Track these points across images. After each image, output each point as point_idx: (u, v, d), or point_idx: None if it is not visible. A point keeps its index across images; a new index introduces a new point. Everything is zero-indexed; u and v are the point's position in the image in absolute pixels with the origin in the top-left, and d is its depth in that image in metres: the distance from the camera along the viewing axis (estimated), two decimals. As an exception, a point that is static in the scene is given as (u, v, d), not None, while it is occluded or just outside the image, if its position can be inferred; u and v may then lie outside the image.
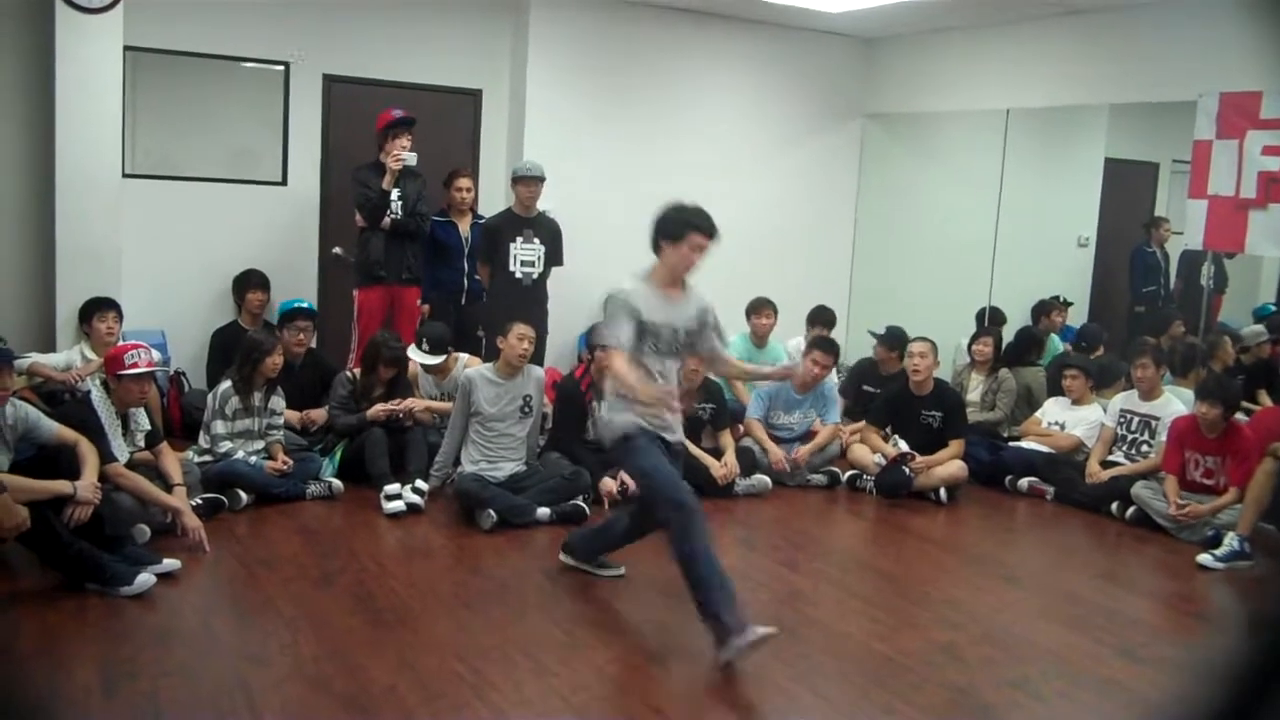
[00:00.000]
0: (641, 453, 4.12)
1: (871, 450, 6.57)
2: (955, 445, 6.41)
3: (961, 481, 6.41)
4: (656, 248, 4.34)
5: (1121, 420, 6.44)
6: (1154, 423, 6.28)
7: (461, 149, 7.94)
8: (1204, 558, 5.37)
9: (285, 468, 5.59)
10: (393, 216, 6.63)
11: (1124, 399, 6.51)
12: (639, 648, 4.10)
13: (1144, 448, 6.32)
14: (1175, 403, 6.32)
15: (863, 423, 6.80)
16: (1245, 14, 6.44)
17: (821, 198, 9.26)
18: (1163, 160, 9.15)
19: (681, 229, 4.31)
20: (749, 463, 6.34)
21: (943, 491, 6.31)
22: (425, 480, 5.68)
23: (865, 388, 7.31)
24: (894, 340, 7.25)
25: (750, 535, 5.71)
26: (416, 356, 6.12)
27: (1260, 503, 5.40)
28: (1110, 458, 6.43)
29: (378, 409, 5.84)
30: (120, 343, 5.74)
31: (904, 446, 6.39)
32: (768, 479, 6.36)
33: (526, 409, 5.75)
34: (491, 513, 5.35)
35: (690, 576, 3.93)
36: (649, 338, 4.09)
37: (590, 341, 6.23)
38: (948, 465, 6.35)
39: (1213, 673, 1.38)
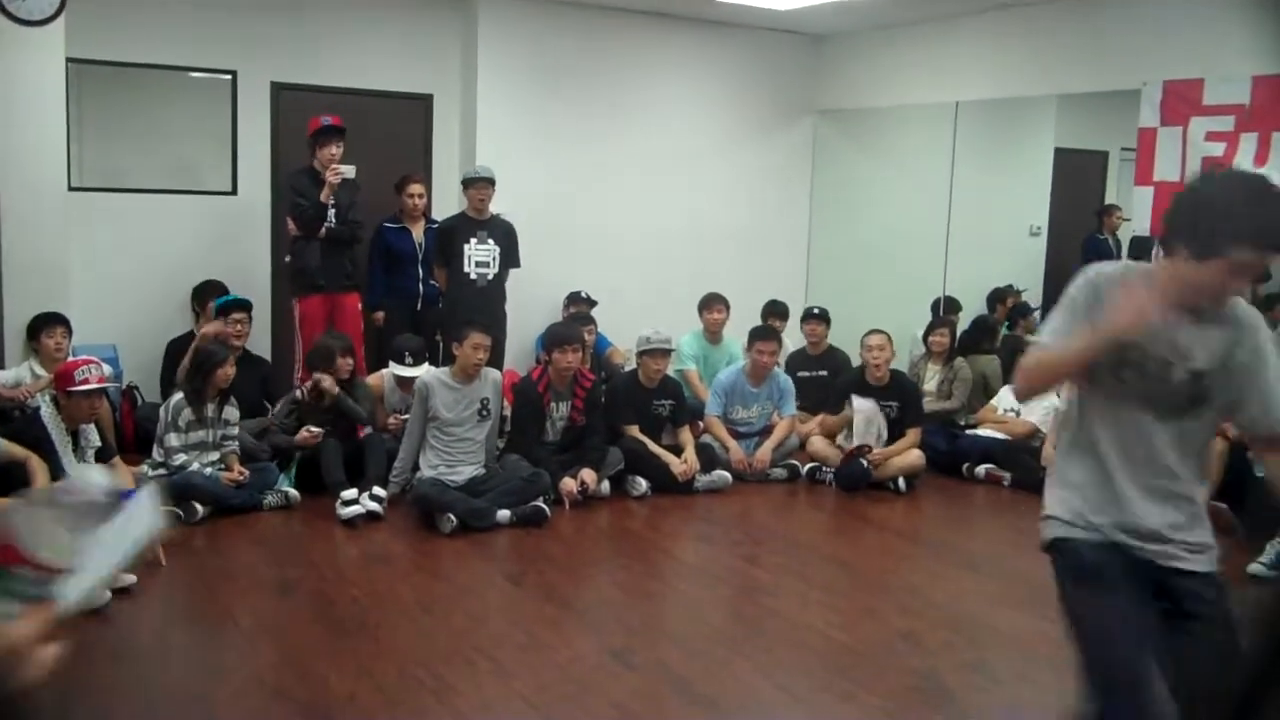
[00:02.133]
0: (1086, 594, 2.42)
1: (829, 436, 6.62)
2: (912, 434, 6.47)
3: (920, 470, 6.46)
4: (1169, 246, 2.32)
5: (1075, 405, 6.50)
6: (1107, 407, 6.34)
7: (413, 154, 7.90)
8: (1158, 538, 5.43)
9: (241, 478, 5.54)
10: (328, 225, 6.58)
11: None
12: (602, 647, 4.09)
13: (1098, 432, 6.38)
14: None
15: (820, 416, 6.84)
16: (1187, 3, 6.56)
17: (776, 194, 9.30)
18: (1112, 149, 9.26)
19: (1223, 238, 2.19)
20: (708, 459, 6.36)
21: (901, 481, 6.36)
22: (384, 487, 5.64)
23: (801, 374, 7.35)
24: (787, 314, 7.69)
25: (711, 530, 5.72)
26: (400, 370, 6.09)
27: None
28: (1065, 443, 6.49)
29: (303, 434, 5.79)
30: (70, 358, 5.67)
31: (871, 422, 6.44)
32: (728, 475, 6.38)
33: (484, 412, 5.74)
34: (451, 517, 5.32)
35: None
36: (1127, 366, 2.35)
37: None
38: (906, 455, 6.40)
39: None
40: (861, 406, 6.45)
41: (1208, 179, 2.38)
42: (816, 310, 7.67)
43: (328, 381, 5.86)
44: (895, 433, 6.47)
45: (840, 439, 6.63)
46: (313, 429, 5.79)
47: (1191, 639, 2.33)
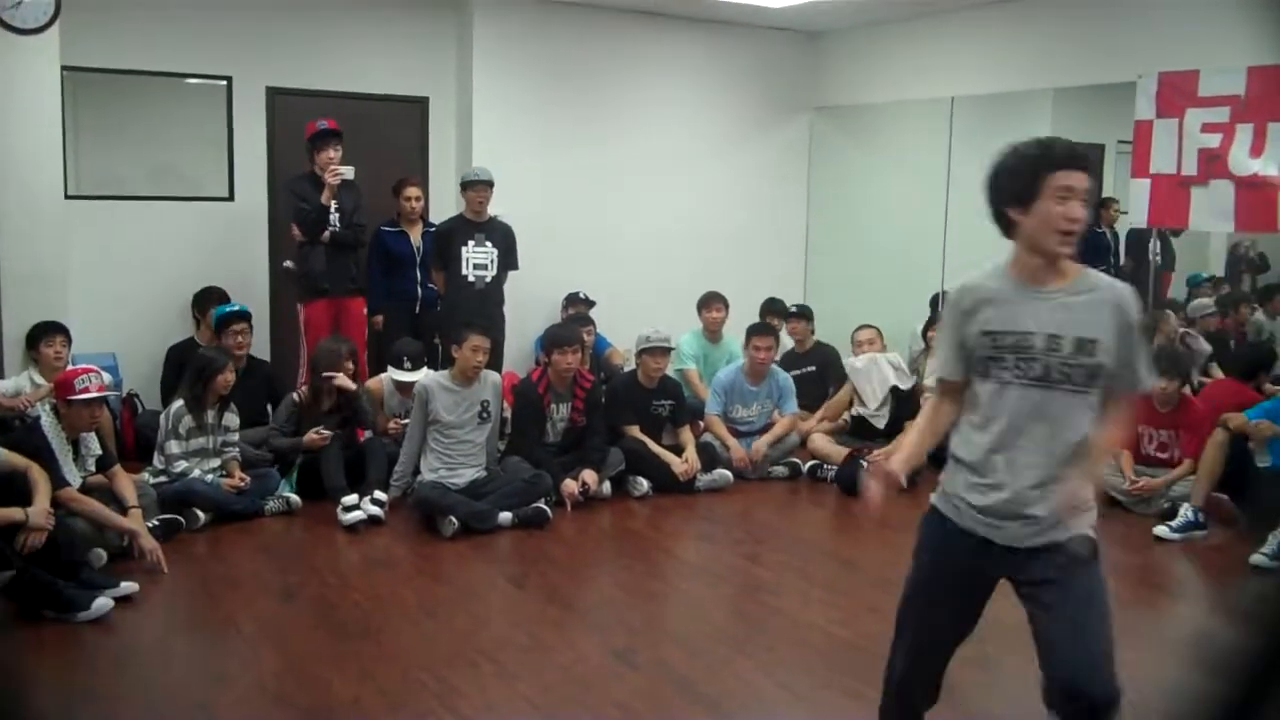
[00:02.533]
0: (913, 571, 2.83)
1: (834, 419, 6.62)
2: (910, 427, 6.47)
3: (922, 466, 6.44)
4: (1006, 225, 2.58)
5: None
6: (1107, 400, 6.35)
7: (410, 158, 7.90)
8: (1160, 529, 5.46)
9: (242, 484, 5.54)
10: (331, 229, 6.59)
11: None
12: (604, 647, 4.09)
13: (1098, 425, 6.38)
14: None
15: (820, 412, 6.84)
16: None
17: (773, 192, 9.30)
18: (1108, 142, 9.24)
19: (1033, 176, 2.48)
20: (709, 458, 6.36)
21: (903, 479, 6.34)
22: (385, 491, 5.64)
23: (792, 373, 7.30)
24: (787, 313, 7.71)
25: (712, 530, 5.72)
26: (398, 375, 6.08)
27: (1212, 474, 5.49)
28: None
29: (312, 436, 5.77)
30: (70, 367, 5.67)
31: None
32: (729, 473, 6.38)
33: (484, 414, 5.74)
34: (453, 520, 5.33)
35: None
36: (993, 361, 2.56)
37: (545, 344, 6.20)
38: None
39: (1219, 672, 1.41)
40: (856, 364, 6.48)
41: (998, 154, 2.59)
42: (795, 308, 7.68)
43: (341, 379, 5.87)
44: (894, 429, 6.48)
45: (855, 408, 6.61)
46: (322, 430, 5.78)
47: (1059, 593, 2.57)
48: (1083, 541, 2.55)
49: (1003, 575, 2.67)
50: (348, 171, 6.49)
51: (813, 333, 7.69)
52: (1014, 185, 2.51)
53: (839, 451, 6.51)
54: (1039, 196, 2.46)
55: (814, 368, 7.45)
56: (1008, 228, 2.56)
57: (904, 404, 6.56)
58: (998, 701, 3.68)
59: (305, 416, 5.90)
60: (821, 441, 6.67)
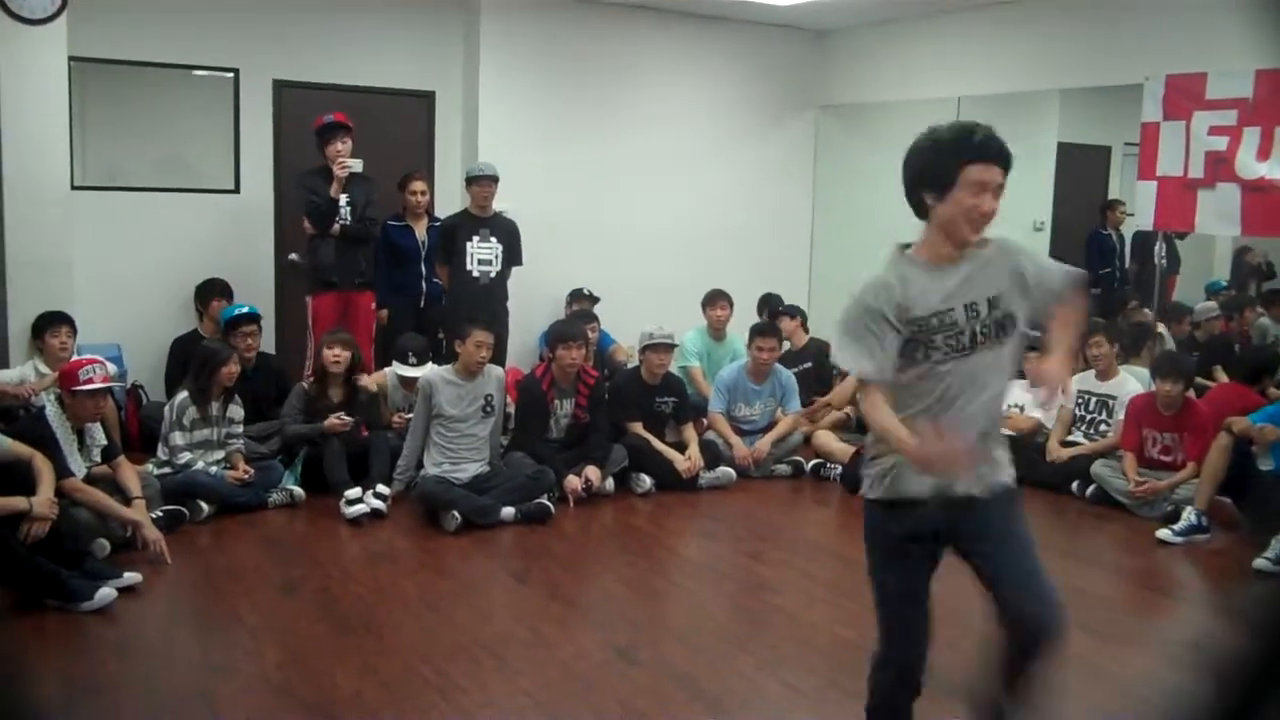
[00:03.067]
0: (882, 555, 2.85)
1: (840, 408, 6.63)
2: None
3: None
4: (920, 208, 2.68)
5: (1080, 401, 6.50)
6: (1111, 402, 6.35)
7: (415, 152, 7.90)
8: (1163, 533, 5.44)
9: (246, 476, 5.54)
10: (342, 222, 6.59)
11: (1081, 380, 6.58)
12: (606, 643, 4.09)
13: (1102, 427, 6.39)
14: (1131, 382, 6.40)
15: (826, 397, 6.86)
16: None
17: (778, 189, 9.30)
18: (1115, 144, 9.25)
19: (951, 166, 2.56)
20: (712, 456, 6.35)
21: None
22: (388, 485, 5.64)
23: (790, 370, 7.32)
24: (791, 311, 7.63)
25: (715, 527, 5.72)
26: (402, 370, 6.08)
27: (1216, 477, 5.48)
28: (1070, 438, 6.49)
29: (333, 421, 5.77)
30: (75, 357, 5.67)
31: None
32: (732, 471, 6.37)
33: (488, 409, 5.74)
34: (456, 514, 5.33)
35: None
36: (921, 345, 2.63)
37: (550, 340, 6.22)
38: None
39: (1217, 675, 1.40)
40: None
41: (919, 137, 2.64)
42: (783, 308, 7.65)
43: (364, 380, 6.00)
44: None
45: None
46: (343, 416, 5.78)
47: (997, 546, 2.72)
48: (1012, 489, 2.78)
49: (950, 538, 2.76)
50: (355, 164, 6.49)
51: (806, 331, 7.65)
52: (931, 172, 2.59)
53: (844, 449, 6.51)
54: (955, 186, 2.54)
55: (810, 364, 7.45)
56: (921, 210, 2.65)
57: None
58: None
59: (314, 408, 5.91)
60: (826, 438, 6.67)
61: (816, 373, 7.42)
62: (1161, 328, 7.69)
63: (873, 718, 3.05)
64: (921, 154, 2.63)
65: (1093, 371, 6.51)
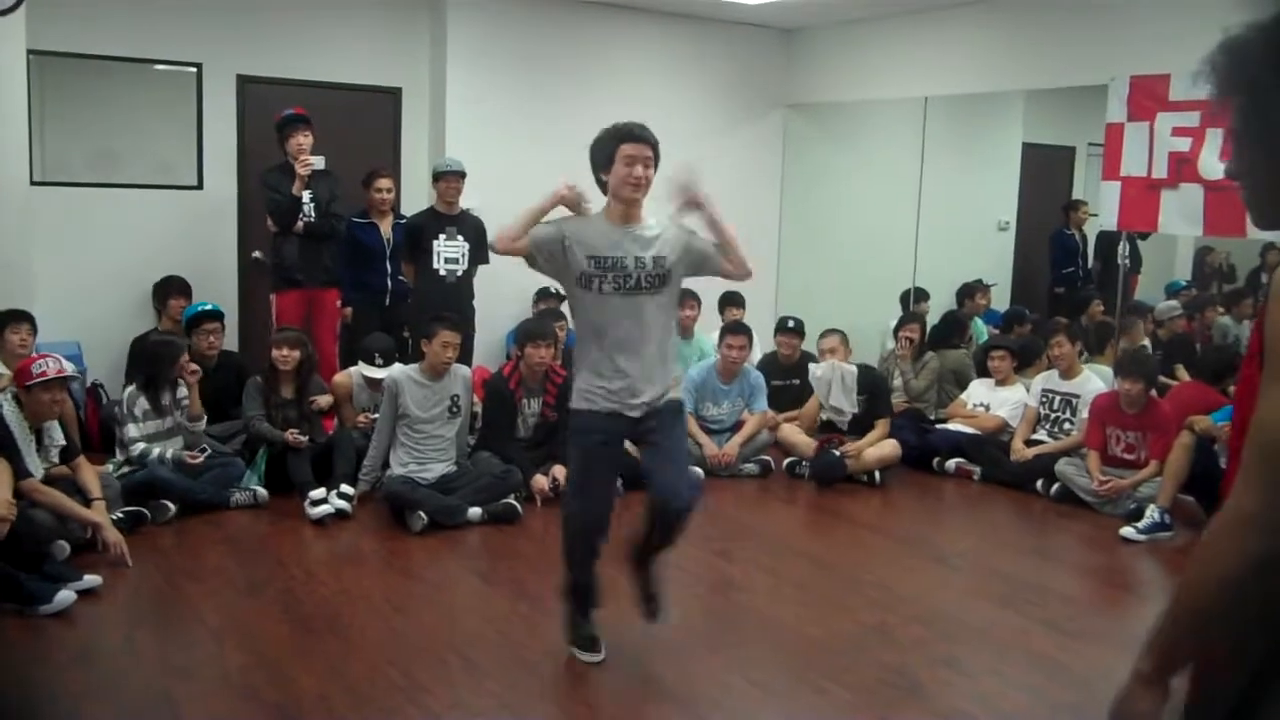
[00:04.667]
0: (576, 452, 3.78)
1: (808, 430, 6.64)
2: (881, 426, 6.53)
3: (895, 461, 6.49)
4: (602, 186, 3.75)
5: (1043, 399, 6.56)
6: (1075, 401, 6.40)
7: (381, 148, 7.83)
8: (1126, 530, 5.50)
9: (196, 461, 5.49)
10: (305, 219, 6.53)
11: (1045, 379, 6.64)
12: (573, 644, 4.07)
13: (1066, 425, 6.44)
14: (1095, 380, 6.46)
15: (794, 412, 6.85)
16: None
17: (746, 188, 9.26)
18: (1079, 144, 9.33)
19: (610, 148, 3.63)
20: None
21: (877, 473, 6.39)
22: (352, 485, 5.60)
23: (775, 382, 7.14)
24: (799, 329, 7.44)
25: (684, 527, 5.70)
26: (369, 371, 6.02)
27: (1179, 475, 5.54)
28: (1034, 436, 6.55)
29: (295, 438, 5.69)
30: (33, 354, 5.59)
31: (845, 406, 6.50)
32: (699, 471, 6.36)
33: (454, 409, 5.71)
34: (422, 515, 5.29)
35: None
36: (597, 279, 3.60)
37: (518, 339, 6.19)
38: (880, 446, 6.44)
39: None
40: (816, 370, 6.54)
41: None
42: (791, 323, 7.43)
43: (318, 400, 5.98)
44: (865, 425, 6.52)
45: (823, 412, 6.64)
46: (297, 435, 5.70)
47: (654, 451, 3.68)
48: (675, 403, 3.73)
49: (629, 435, 3.72)
50: (316, 160, 6.44)
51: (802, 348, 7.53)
52: (599, 155, 3.65)
53: (808, 442, 6.54)
54: (614, 162, 3.58)
55: (797, 381, 7.27)
56: (604, 187, 3.67)
57: (872, 405, 6.58)
58: (966, 700, 3.69)
59: (269, 403, 5.86)
60: (791, 431, 6.69)
61: (800, 389, 7.27)
62: (1141, 326, 7.76)
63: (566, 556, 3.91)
64: (595, 145, 3.69)
65: (1056, 371, 6.56)
